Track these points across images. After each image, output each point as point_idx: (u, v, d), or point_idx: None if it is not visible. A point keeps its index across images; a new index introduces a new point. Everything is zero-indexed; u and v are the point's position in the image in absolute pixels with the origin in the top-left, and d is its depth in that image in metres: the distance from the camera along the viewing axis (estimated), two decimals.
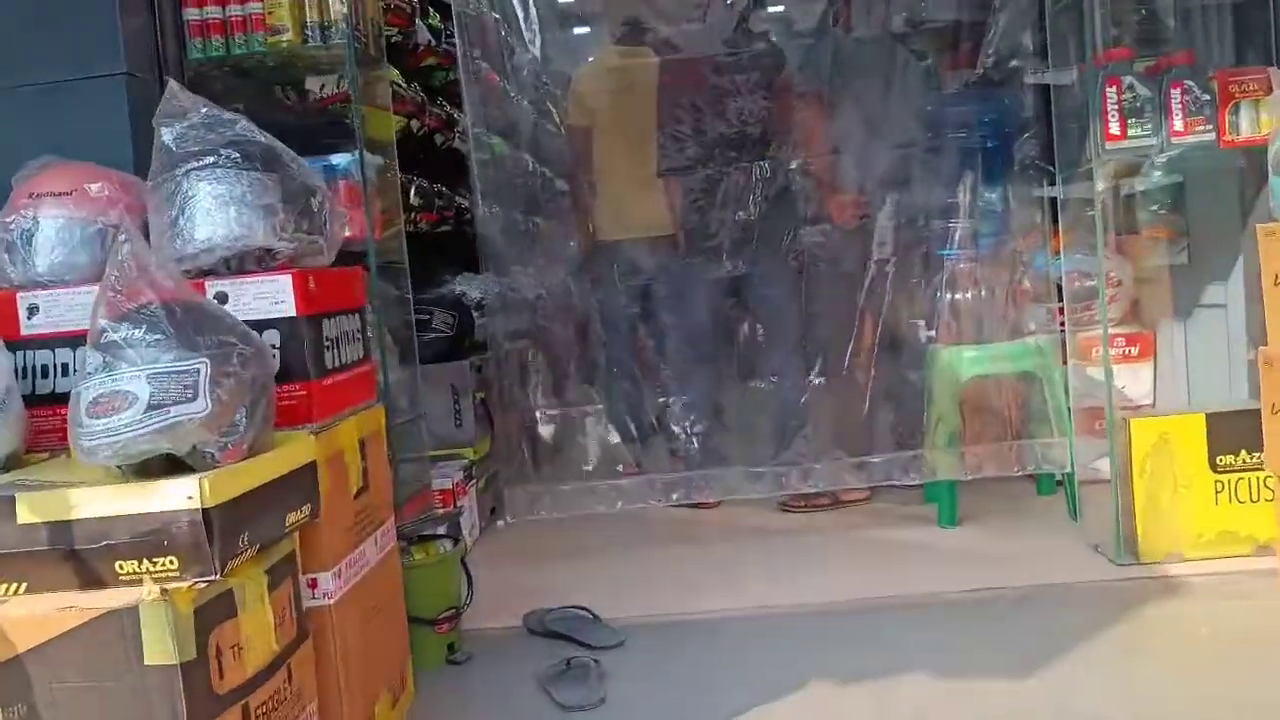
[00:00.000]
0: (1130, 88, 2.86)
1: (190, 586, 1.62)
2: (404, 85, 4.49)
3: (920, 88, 3.89)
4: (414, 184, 4.76)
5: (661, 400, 4.11)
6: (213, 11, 3.00)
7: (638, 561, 3.48)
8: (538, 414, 4.05)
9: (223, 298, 2.07)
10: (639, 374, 4.41)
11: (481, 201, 3.87)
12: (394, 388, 3.14)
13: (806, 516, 3.81)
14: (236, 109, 3.86)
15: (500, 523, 4.06)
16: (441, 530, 2.94)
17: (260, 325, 2.06)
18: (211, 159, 2.08)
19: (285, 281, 2.08)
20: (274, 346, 2.07)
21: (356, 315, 2.40)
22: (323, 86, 3.81)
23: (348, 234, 3.00)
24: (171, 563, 1.63)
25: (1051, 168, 3.84)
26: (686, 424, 4.09)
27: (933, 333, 3.64)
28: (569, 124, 4.37)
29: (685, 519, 3.92)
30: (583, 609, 2.89)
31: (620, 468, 4.32)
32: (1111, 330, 3.66)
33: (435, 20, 5.10)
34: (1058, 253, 3.87)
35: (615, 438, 4.39)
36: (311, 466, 2.00)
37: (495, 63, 4.05)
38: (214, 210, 2.06)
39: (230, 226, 2.06)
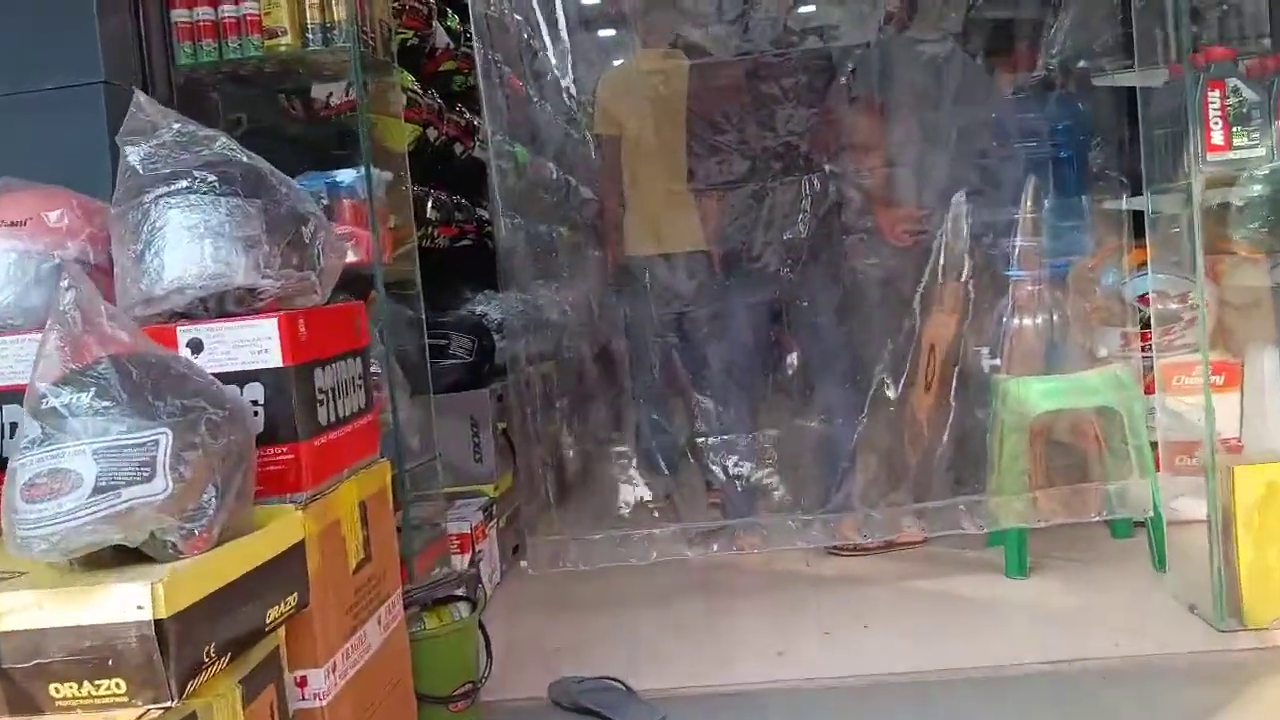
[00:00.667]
0: (1235, 91, 2.52)
1: (140, 717, 1.32)
2: (419, 91, 4.19)
3: (983, 92, 3.55)
4: (431, 197, 4.48)
5: (698, 435, 3.81)
6: (204, 13, 2.71)
7: (673, 615, 3.15)
8: (562, 448, 3.74)
9: (197, 345, 1.78)
10: (671, 402, 4.11)
11: (502, 213, 3.55)
12: (405, 427, 2.84)
13: (856, 561, 3.47)
14: (238, 119, 3.66)
15: (523, 563, 3.75)
16: (459, 591, 2.63)
17: (241, 378, 1.77)
18: (184, 183, 1.78)
19: (270, 326, 1.78)
20: (257, 403, 1.77)
21: (358, 358, 2.09)
22: (330, 95, 3.54)
23: (353, 258, 2.72)
24: (117, 686, 1.33)
25: (1124, 179, 3.53)
26: (725, 463, 3.78)
27: (997, 362, 3.30)
28: (596, 133, 4.07)
29: (723, 561, 3.58)
30: (615, 680, 2.58)
31: (651, 504, 4.03)
32: (1192, 357, 3.32)
33: (454, 22, 4.81)
34: (1132, 269, 3.55)
35: (644, 476, 4.09)
36: (299, 548, 1.69)
37: (516, 67, 3.74)
38: (187, 243, 1.76)
39: (205, 262, 1.76)
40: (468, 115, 4.98)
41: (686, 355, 4.05)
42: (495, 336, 4.21)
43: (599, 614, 3.19)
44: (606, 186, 4.08)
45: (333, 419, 1.92)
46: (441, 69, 4.71)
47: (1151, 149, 2.87)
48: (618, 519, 3.39)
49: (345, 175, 2.73)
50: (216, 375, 1.73)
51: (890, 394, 3.46)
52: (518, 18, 3.56)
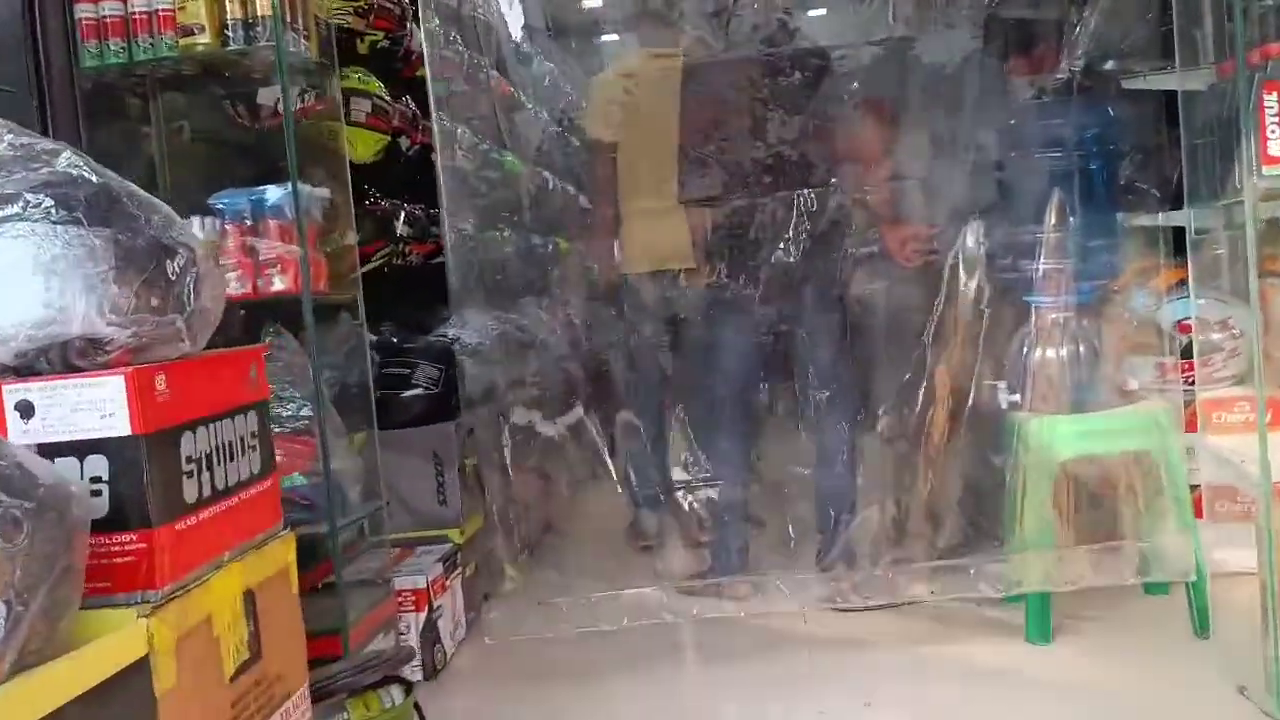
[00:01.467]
0: None
1: None
2: (387, 98, 3.86)
3: (1001, 97, 3.19)
4: (403, 211, 4.15)
5: (683, 478, 3.48)
6: (111, 8, 2.38)
7: (651, 685, 2.81)
8: (536, 489, 3.41)
9: (25, 409, 1.44)
10: (658, 436, 3.78)
11: (449, 221, 3.22)
12: (341, 477, 2.50)
13: (859, 618, 3.10)
14: (179, 127, 3.34)
15: (493, 614, 3.41)
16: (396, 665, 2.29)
17: (82, 449, 1.43)
18: (13, 208, 1.45)
19: (115, 385, 1.44)
20: (100, 481, 1.43)
21: (252, 413, 1.75)
22: (279, 101, 3.22)
23: (280, 286, 2.40)
24: None
25: (1156, 191, 3.17)
26: (712, 510, 3.44)
27: (1016, 398, 2.93)
28: (590, 138, 3.76)
29: (712, 615, 3.24)
30: None
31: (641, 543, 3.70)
32: (1234, 392, 2.96)
33: (433, 24, 4.49)
34: (1168, 292, 3.19)
35: (631, 512, 3.76)
36: (140, 665, 1.35)
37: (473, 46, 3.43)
38: (12, 283, 1.42)
39: (34, 306, 1.42)
40: (448, 124, 4.64)
41: (675, 384, 3.74)
42: (468, 363, 3.87)
43: (569, 684, 2.84)
44: (599, 196, 3.76)
45: (207, 493, 1.58)
46: (419, 74, 4.39)
47: (1194, 160, 2.52)
48: (591, 573, 3.03)
49: (273, 192, 2.40)
50: (51, 446, 1.42)
51: (896, 436, 3.11)
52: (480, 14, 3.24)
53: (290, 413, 2.44)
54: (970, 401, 2.88)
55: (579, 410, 3.91)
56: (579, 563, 3.28)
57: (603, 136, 3.72)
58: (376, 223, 3.82)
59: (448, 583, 3.12)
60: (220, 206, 2.39)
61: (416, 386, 3.48)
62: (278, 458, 2.35)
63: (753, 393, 3.34)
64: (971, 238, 2.88)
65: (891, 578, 2.76)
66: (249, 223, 2.40)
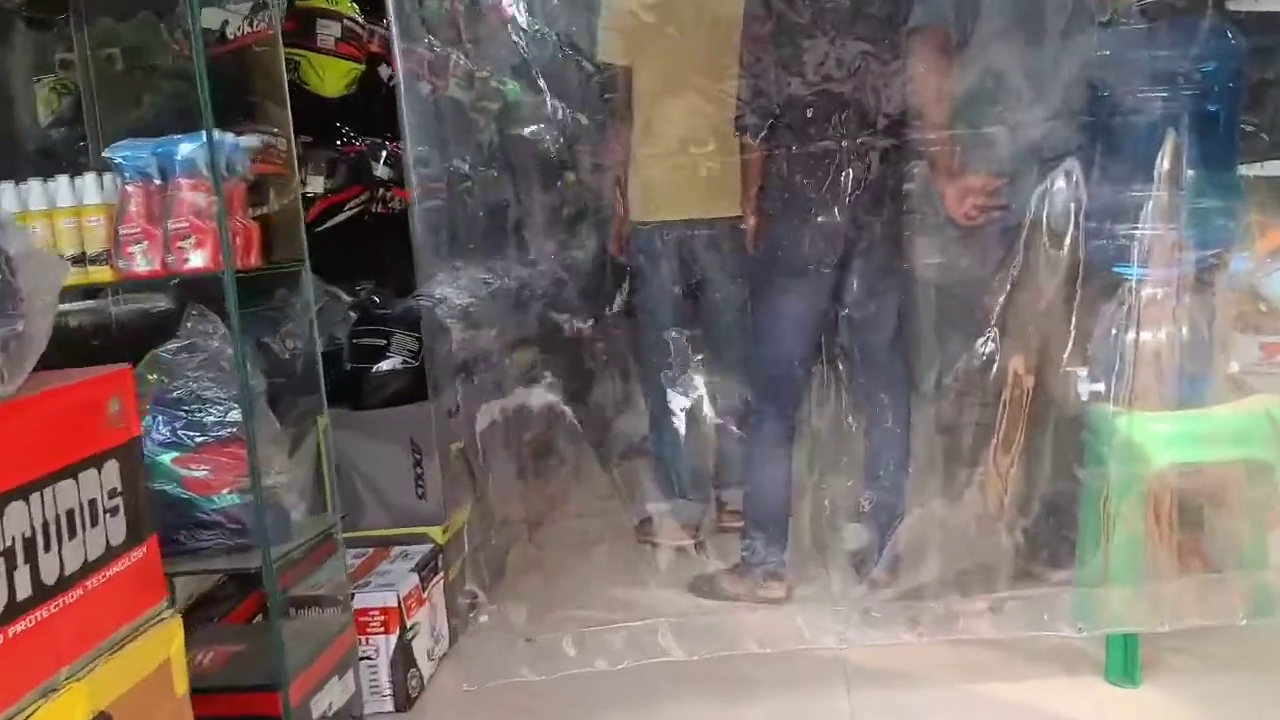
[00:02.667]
0: None
1: None
2: (360, 21, 3.33)
3: (1089, 22, 2.63)
4: (383, 150, 3.64)
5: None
6: None
7: None
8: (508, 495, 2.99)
9: None
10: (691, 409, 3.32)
11: (413, 159, 2.77)
12: (281, 493, 2.04)
13: (905, 634, 2.65)
14: (109, 56, 2.85)
15: (483, 618, 2.98)
16: None
17: None
18: None
19: None
20: None
21: (108, 465, 1.29)
22: (225, 24, 2.73)
23: (197, 263, 1.92)
24: None
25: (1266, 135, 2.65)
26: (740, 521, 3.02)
27: (1099, 387, 2.43)
28: (601, 61, 3.25)
29: (746, 620, 2.81)
30: None
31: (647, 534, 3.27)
32: None
33: None
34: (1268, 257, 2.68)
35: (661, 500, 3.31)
36: None
37: None
38: None
39: None
40: (437, 47, 4.12)
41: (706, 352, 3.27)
42: (456, 327, 3.40)
43: (567, 712, 2.41)
44: (612, 132, 3.26)
45: (27, 594, 1.13)
46: None
47: None
48: (590, 594, 2.59)
49: (186, 145, 1.90)
50: None
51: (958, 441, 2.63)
52: None
53: (216, 418, 1.98)
54: (1052, 400, 2.38)
55: (585, 385, 3.50)
56: (571, 583, 2.84)
57: (617, 59, 3.20)
58: (350, 166, 3.32)
59: (426, 595, 2.68)
60: (120, 161, 1.90)
61: (392, 359, 3.01)
62: (201, 473, 1.92)
63: (801, 378, 2.85)
64: (1063, 188, 2.34)
65: (947, 616, 2.29)
66: (157, 182, 1.91)
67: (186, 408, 1.98)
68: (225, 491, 1.97)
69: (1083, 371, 2.48)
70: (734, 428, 3.24)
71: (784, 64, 2.77)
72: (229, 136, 1.95)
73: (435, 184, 4.03)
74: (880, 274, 2.77)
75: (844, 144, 2.71)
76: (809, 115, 2.74)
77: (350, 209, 3.33)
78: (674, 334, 3.15)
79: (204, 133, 1.88)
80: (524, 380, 3.35)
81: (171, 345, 2.02)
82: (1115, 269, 2.41)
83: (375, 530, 2.86)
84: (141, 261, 1.89)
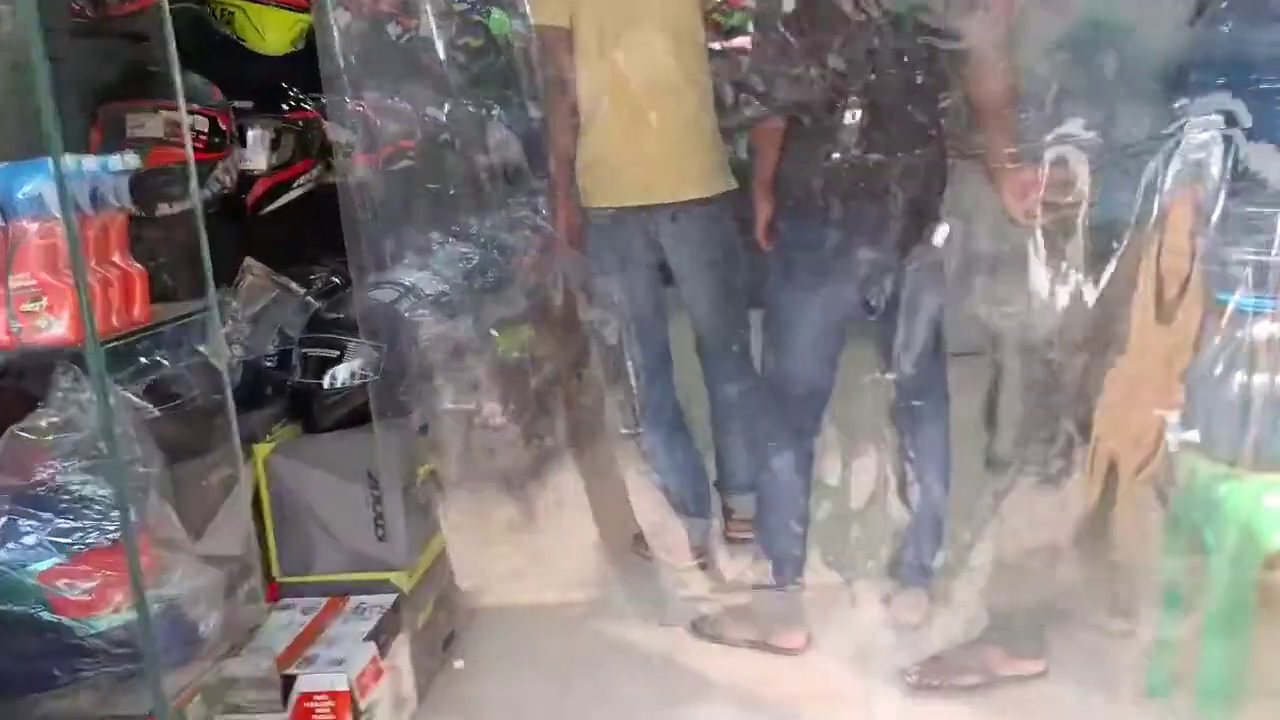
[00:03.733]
0: None
1: None
2: None
3: None
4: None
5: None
6: None
7: None
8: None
9: None
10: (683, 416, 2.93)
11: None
12: (182, 604, 1.63)
13: (945, 702, 2.28)
14: None
15: (458, 663, 2.63)
16: None
17: None
18: None
19: None
20: None
21: None
22: None
23: (52, 334, 1.47)
24: None
25: None
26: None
27: (1193, 436, 2.00)
28: (538, 24, 2.77)
29: (752, 672, 2.46)
30: None
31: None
32: None
33: None
34: None
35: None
36: None
37: None
38: None
39: None
40: None
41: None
42: (428, 317, 2.95)
43: None
44: (552, 108, 2.79)
45: None
46: None
47: None
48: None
49: (30, 177, 1.44)
50: None
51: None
52: None
53: (95, 519, 1.55)
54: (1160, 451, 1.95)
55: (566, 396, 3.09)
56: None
57: (555, 19, 2.70)
58: (299, 136, 2.84)
59: (386, 662, 2.29)
60: None
61: (347, 373, 2.57)
62: (79, 591, 1.51)
63: (819, 378, 2.43)
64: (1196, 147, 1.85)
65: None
66: None
67: (59, 504, 1.56)
68: (111, 611, 1.56)
69: (1173, 415, 2.04)
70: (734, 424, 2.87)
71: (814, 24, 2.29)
72: (91, 161, 1.48)
73: (404, 142, 3.53)
74: (919, 274, 2.32)
75: (878, 119, 2.25)
76: (838, 86, 2.27)
77: (300, 185, 2.87)
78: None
79: (53, 160, 1.41)
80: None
81: (37, 420, 1.59)
82: (1221, 297, 1.96)
83: (330, 575, 2.47)
84: None
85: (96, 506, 1.55)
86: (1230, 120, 1.88)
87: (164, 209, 2.25)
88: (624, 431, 2.99)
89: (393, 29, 3.48)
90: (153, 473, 1.60)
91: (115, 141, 2.22)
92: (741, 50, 2.83)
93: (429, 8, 3.83)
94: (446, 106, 3.81)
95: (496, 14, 4.04)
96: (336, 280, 2.97)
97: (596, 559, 2.78)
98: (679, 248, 2.76)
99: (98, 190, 1.50)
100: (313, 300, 2.88)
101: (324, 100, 2.93)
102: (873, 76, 2.13)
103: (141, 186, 2.19)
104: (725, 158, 2.77)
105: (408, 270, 3.11)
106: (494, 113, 4.32)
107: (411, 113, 3.56)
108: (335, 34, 2.96)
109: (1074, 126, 2.15)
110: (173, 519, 1.63)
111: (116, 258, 1.54)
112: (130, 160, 1.62)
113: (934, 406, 2.35)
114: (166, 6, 1.85)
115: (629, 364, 2.81)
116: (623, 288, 2.80)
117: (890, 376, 2.28)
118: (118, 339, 1.49)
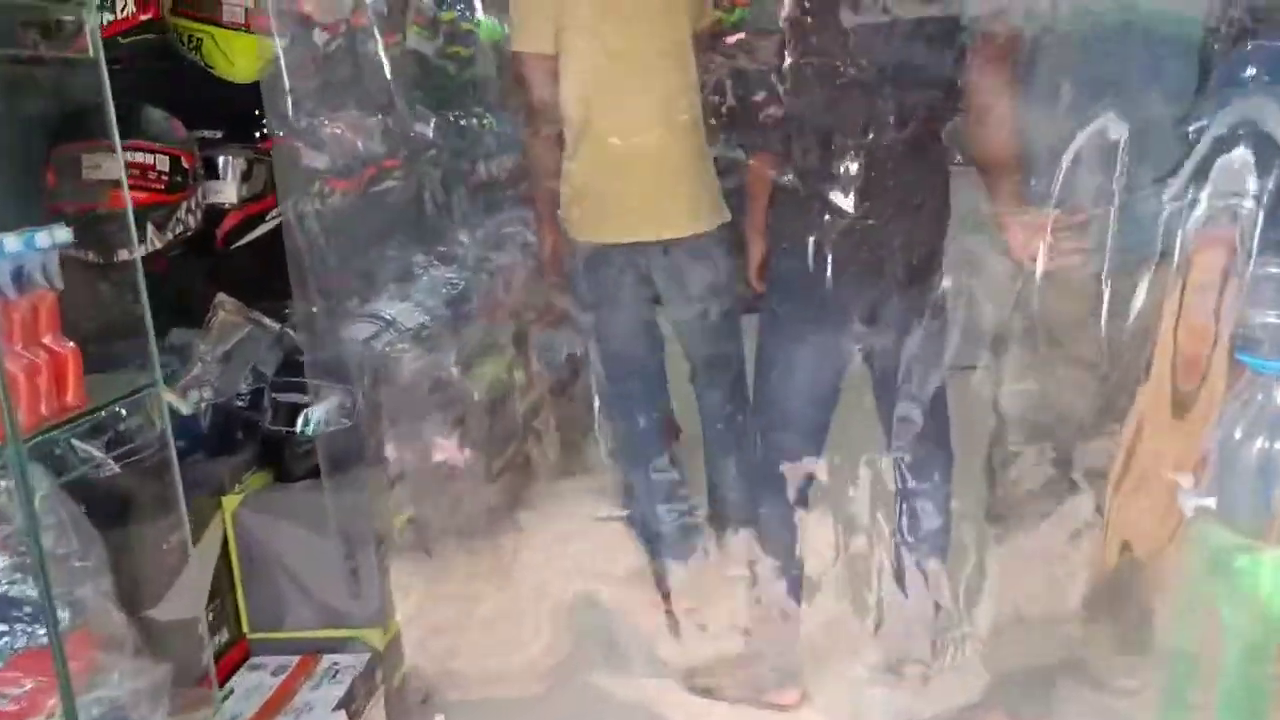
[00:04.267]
0: None
1: None
2: None
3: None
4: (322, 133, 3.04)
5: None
6: None
7: None
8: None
9: None
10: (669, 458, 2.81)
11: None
12: (125, 707, 1.52)
13: None
14: None
15: (439, 718, 2.53)
16: None
17: None
18: None
19: None
20: None
21: None
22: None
23: None
24: None
25: None
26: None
27: (1209, 503, 1.87)
28: (515, 50, 2.64)
29: None
30: None
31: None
32: None
33: None
34: None
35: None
36: None
37: None
38: None
39: None
40: None
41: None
42: (408, 352, 2.84)
43: None
44: (534, 139, 2.66)
45: None
46: None
47: None
48: None
49: None
50: None
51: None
52: None
53: (25, 621, 1.44)
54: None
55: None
56: None
57: (538, 46, 2.56)
58: (272, 167, 2.72)
59: None
60: None
61: (318, 419, 2.46)
62: (7, 700, 1.40)
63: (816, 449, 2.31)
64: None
65: None
66: None
67: None
68: (45, 718, 1.45)
69: (1185, 479, 1.92)
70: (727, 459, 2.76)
71: (809, 52, 2.16)
72: (13, 240, 1.36)
73: (389, 161, 3.42)
74: (918, 344, 2.20)
75: (878, 154, 2.13)
76: (835, 116, 2.14)
77: (274, 219, 2.75)
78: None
79: None
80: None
81: None
82: (1241, 355, 1.83)
83: (301, 632, 2.36)
84: None
85: (26, 608, 1.44)
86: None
87: (123, 254, 2.14)
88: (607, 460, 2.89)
89: (370, 44, 3.36)
90: (89, 565, 1.49)
91: (70, 185, 2.12)
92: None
93: (419, 22, 3.72)
94: (433, 121, 3.69)
95: (489, 21, 3.92)
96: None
97: (577, 606, 2.65)
98: (671, 282, 2.64)
99: (23, 269, 1.38)
100: (291, 332, 2.77)
101: (297, 124, 2.81)
102: (870, 135, 2.00)
103: (98, 232, 2.08)
104: (718, 190, 2.64)
105: (390, 302, 3.00)
106: (486, 121, 4.20)
107: (395, 130, 3.44)
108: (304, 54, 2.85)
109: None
110: (113, 615, 1.52)
111: (48, 339, 1.42)
112: (60, 235, 1.49)
113: (936, 490, 2.22)
114: (99, 44, 1.72)
115: (610, 401, 2.70)
116: (611, 322, 2.68)
117: (889, 457, 2.16)
118: (49, 429, 1.37)
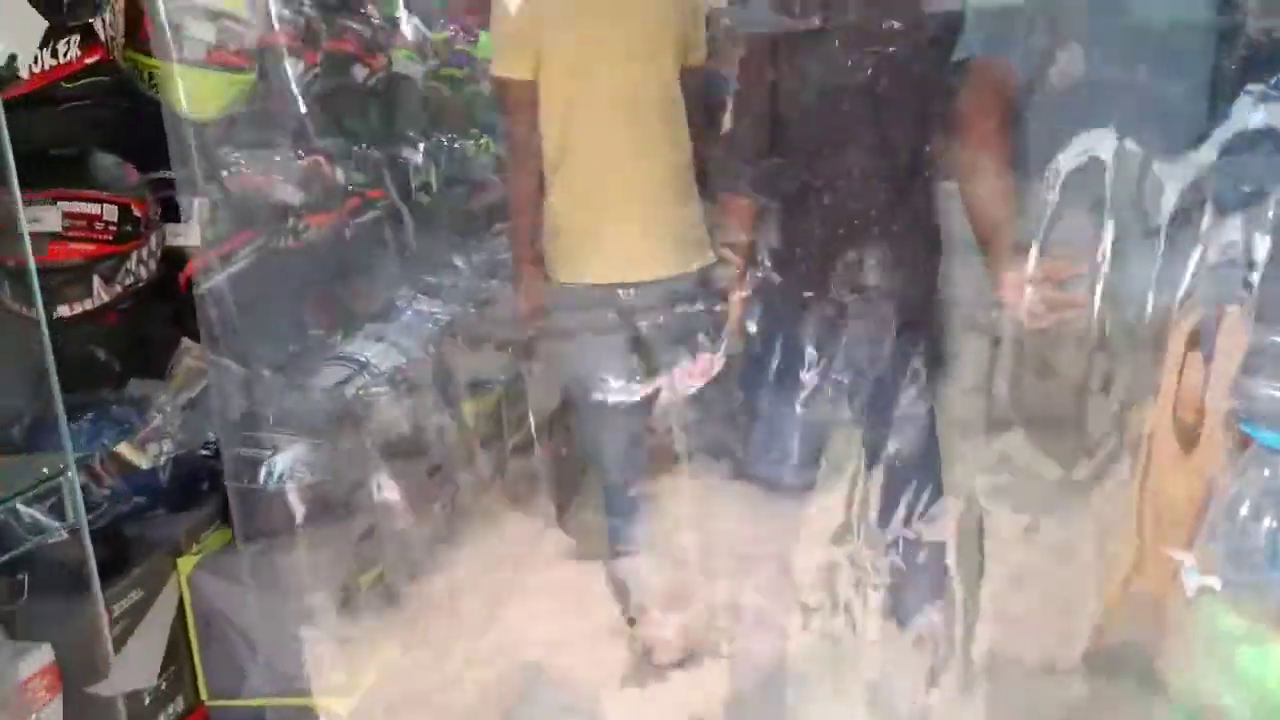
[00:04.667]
0: None
1: None
2: (242, 16, 2.59)
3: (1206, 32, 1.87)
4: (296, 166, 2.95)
5: None
6: None
7: None
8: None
9: None
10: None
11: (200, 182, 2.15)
12: None
13: None
14: None
15: None
16: None
17: None
18: None
19: None
20: None
21: None
22: (13, 56, 2.08)
23: None
24: None
25: None
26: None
27: (1212, 582, 1.73)
28: (497, 75, 2.53)
29: None
30: None
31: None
32: None
33: None
34: None
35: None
36: None
37: None
38: None
39: None
40: (376, 19, 3.42)
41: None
42: (382, 397, 2.74)
43: None
44: (514, 168, 2.54)
45: None
46: None
47: None
48: None
49: None
50: None
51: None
52: None
53: None
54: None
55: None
56: None
57: (519, 72, 2.44)
58: (237, 205, 2.62)
59: None
60: None
61: (281, 475, 2.36)
62: None
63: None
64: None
65: None
66: None
67: None
68: None
69: (1187, 558, 1.78)
70: None
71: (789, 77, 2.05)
72: None
73: (372, 193, 3.33)
74: (913, 375, 2.08)
75: (870, 194, 2.01)
76: (820, 157, 2.03)
77: (242, 258, 2.65)
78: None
79: None
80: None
81: None
82: (1245, 427, 1.69)
83: (260, 700, 2.27)
84: None
85: None
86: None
87: (63, 310, 2.06)
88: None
89: (358, 72, 3.27)
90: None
91: (5, 239, 2.03)
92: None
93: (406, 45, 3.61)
94: (422, 146, 3.60)
95: (485, 38, 3.86)
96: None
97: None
98: (654, 318, 2.53)
99: None
100: (268, 371, 2.68)
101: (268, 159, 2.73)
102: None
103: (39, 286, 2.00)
104: (705, 229, 2.51)
105: (364, 338, 2.91)
106: (482, 142, 4.10)
107: (380, 158, 3.35)
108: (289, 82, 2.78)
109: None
110: None
111: None
112: None
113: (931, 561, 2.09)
114: None
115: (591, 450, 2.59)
116: (591, 363, 2.57)
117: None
118: None
